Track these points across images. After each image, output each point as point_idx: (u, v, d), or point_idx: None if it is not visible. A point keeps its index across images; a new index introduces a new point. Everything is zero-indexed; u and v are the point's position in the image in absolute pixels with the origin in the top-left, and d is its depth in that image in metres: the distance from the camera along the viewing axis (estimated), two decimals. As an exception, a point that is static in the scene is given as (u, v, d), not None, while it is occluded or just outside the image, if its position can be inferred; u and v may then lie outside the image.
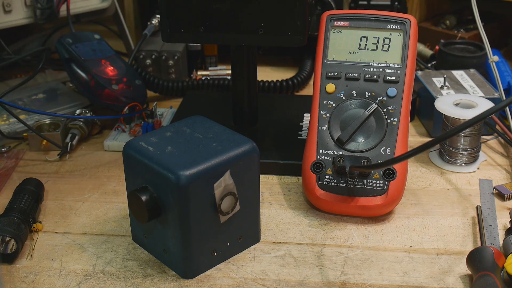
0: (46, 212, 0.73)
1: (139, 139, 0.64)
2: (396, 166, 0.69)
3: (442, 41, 1.03)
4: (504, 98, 0.86)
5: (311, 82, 0.91)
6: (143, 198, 0.60)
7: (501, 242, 0.66)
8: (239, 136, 0.64)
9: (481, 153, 0.82)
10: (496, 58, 0.87)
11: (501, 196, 0.74)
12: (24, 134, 0.86)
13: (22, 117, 0.87)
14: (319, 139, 0.72)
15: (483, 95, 0.87)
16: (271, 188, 0.77)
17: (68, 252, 0.66)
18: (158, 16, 1.04)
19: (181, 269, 0.62)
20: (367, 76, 0.73)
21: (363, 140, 0.71)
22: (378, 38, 0.74)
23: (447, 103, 0.80)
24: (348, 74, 0.73)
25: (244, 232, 0.65)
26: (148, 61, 1.02)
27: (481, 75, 0.93)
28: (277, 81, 1.01)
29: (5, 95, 0.88)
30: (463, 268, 0.63)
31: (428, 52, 1.07)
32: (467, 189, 0.76)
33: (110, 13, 1.05)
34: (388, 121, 0.71)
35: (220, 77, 1.02)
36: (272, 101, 0.94)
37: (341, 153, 0.70)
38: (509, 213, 0.70)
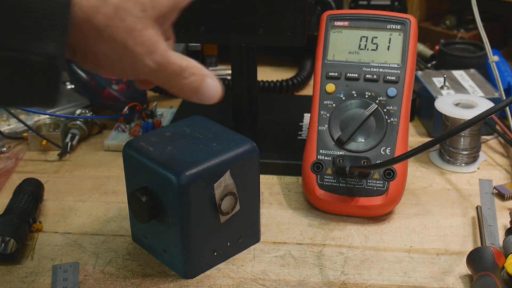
0: (46, 212, 0.73)
1: (139, 139, 0.64)
2: (396, 166, 0.69)
3: (442, 41, 1.03)
4: (504, 98, 0.86)
5: (311, 82, 0.91)
6: (143, 198, 0.60)
7: (501, 242, 0.66)
8: (239, 136, 0.64)
9: (481, 153, 0.82)
10: (496, 58, 0.87)
11: (501, 196, 0.74)
12: (24, 134, 0.86)
13: (22, 117, 0.87)
14: (319, 139, 0.72)
15: (483, 95, 0.87)
16: (271, 188, 0.77)
17: (68, 252, 0.66)
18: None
19: (181, 269, 0.62)
20: (367, 76, 0.73)
21: (363, 140, 0.71)
22: (378, 38, 0.74)
23: (447, 103, 0.80)
24: (348, 74, 0.73)
25: (244, 232, 0.65)
26: (148, 61, 1.02)
27: (481, 75, 0.93)
28: (277, 81, 1.01)
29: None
30: (463, 268, 0.63)
31: (428, 52, 1.07)
32: (467, 189, 0.76)
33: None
34: (388, 121, 0.71)
35: (220, 77, 1.02)
36: (272, 101, 0.94)
37: (341, 153, 0.70)
38: (509, 213, 0.70)
